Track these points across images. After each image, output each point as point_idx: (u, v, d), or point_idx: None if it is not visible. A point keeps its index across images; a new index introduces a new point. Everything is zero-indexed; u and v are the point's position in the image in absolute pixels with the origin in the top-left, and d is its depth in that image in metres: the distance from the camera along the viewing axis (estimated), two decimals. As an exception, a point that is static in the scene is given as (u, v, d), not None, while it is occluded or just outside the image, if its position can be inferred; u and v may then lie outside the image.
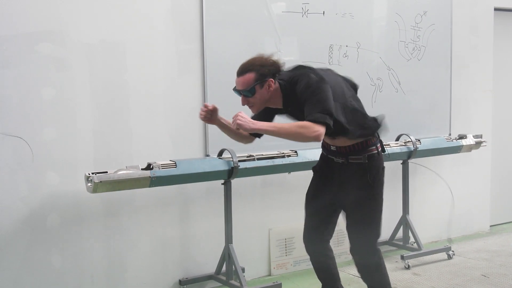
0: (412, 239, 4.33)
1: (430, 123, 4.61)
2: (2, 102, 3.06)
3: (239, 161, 3.44)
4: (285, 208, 4.05)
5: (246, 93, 2.65)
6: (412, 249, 4.27)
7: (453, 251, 4.35)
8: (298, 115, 2.69)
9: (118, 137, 3.41)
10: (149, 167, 3.17)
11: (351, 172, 2.77)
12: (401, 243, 4.38)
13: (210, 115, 2.77)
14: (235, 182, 3.57)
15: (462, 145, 4.48)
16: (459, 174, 4.96)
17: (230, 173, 3.42)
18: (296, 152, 3.70)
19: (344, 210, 2.86)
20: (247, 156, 3.54)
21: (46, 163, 3.20)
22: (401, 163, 4.34)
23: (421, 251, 4.22)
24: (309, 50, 3.97)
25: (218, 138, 3.35)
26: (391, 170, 4.34)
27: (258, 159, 3.55)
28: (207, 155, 3.64)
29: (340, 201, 2.84)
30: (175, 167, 3.23)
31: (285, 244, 4.10)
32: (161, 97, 3.53)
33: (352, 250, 2.87)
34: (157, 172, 3.15)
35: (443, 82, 4.68)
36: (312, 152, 3.65)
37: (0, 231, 3.10)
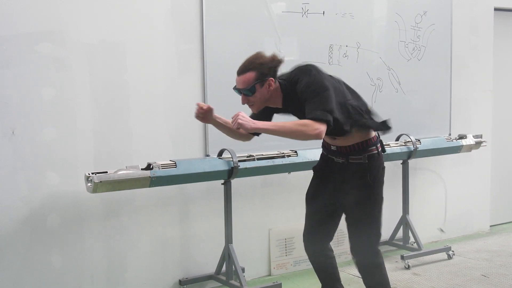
0: (412, 239, 4.33)
1: (430, 123, 4.61)
2: (2, 102, 3.06)
3: (239, 161, 3.43)
4: (285, 208, 4.05)
5: (246, 92, 2.65)
6: (412, 249, 4.27)
7: (453, 251, 4.35)
8: (298, 115, 2.69)
9: (118, 137, 3.41)
10: (149, 167, 3.17)
11: (351, 172, 2.77)
12: (401, 243, 4.38)
13: (203, 115, 2.78)
14: (235, 182, 3.57)
15: (462, 145, 4.48)
16: (459, 174, 4.96)
17: (230, 173, 3.42)
18: (296, 152, 3.70)
19: (344, 210, 2.86)
20: (247, 156, 3.54)
21: (46, 163, 3.20)
22: (401, 163, 4.34)
23: (421, 251, 4.22)
24: (309, 50, 3.97)
25: (218, 138, 3.35)
26: (391, 170, 4.34)
27: (258, 159, 3.55)
28: (207, 155, 3.64)
29: (340, 201, 2.84)
30: (175, 167, 3.23)
31: (285, 244, 4.10)
32: (161, 97, 3.53)
33: (352, 250, 2.86)
34: (157, 172, 3.15)
35: (443, 82, 4.68)
36: (312, 152, 3.65)
37: (0, 231, 3.10)
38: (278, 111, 2.83)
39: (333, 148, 2.83)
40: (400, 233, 4.39)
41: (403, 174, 4.35)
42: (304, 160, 3.67)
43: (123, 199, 3.43)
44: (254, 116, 2.73)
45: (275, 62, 2.67)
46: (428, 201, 4.82)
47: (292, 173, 3.87)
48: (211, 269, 3.73)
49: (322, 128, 2.47)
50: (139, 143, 3.47)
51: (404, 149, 4.19)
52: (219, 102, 3.58)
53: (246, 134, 2.81)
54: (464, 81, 4.89)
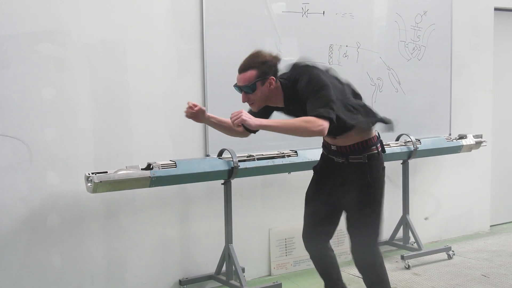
0: (412, 239, 4.33)
1: (430, 123, 4.61)
2: (2, 102, 3.06)
3: (239, 161, 3.43)
4: (285, 208, 4.05)
5: (247, 90, 2.65)
6: (412, 249, 4.27)
7: (453, 251, 4.35)
8: (299, 114, 2.69)
9: (118, 137, 3.41)
10: (149, 167, 3.17)
11: (352, 172, 2.77)
12: (401, 243, 4.38)
13: (194, 115, 2.78)
14: (235, 182, 3.57)
15: (462, 145, 4.48)
16: (459, 174, 4.96)
17: (230, 173, 3.42)
18: (296, 152, 3.70)
19: (344, 210, 2.87)
20: (247, 156, 3.54)
21: (46, 163, 3.20)
22: (401, 163, 4.34)
23: (421, 251, 4.22)
24: (309, 50, 3.97)
25: (218, 138, 3.35)
26: (391, 170, 4.34)
27: (258, 159, 3.55)
28: (207, 155, 3.64)
29: (340, 201, 2.84)
30: (175, 167, 3.23)
31: (285, 244, 4.10)
32: (161, 97, 3.53)
33: (352, 250, 2.86)
34: (157, 172, 3.15)
35: (443, 82, 4.68)
36: (312, 152, 3.65)
37: (0, 231, 3.10)
38: (278, 110, 2.84)
39: (333, 148, 2.83)
40: (400, 233, 4.39)
41: (403, 174, 4.35)
42: (304, 160, 3.67)
43: (123, 199, 3.43)
44: (253, 115, 2.73)
45: (277, 61, 2.68)
46: (428, 201, 4.81)
47: (292, 173, 3.87)
48: (211, 269, 3.73)
49: (325, 124, 2.48)
50: (139, 143, 3.47)
51: (404, 149, 4.19)
52: (219, 102, 3.59)
53: (243, 131, 2.82)
54: (464, 81, 4.89)
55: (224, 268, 3.64)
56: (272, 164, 3.58)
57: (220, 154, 3.52)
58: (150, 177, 3.12)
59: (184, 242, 3.70)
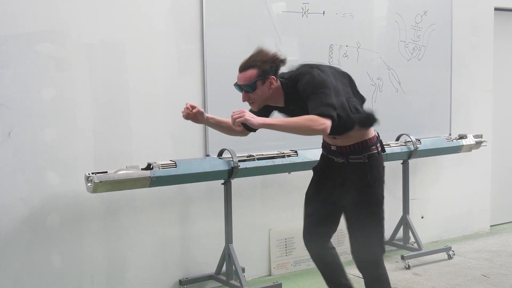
0: (412, 239, 4.33)
1: (430, 123, 4.61)
2: (2, 102, 3.06)
3: (239, 161, 3.43)
4: (285, 208, 4.05)
5: (247, 89, 2.65)
6: (412, 249, 4.27)
7: (453, 251, 4.35)
8: (300, 113, 2.69)
9: (118, 137, 3.41)
10: (149, 167, 3.17)
11: (352, 172, 2.77)
12: (401, 243, 4.38)
13: (191, 116, 2.78)
14: (235, 182, 3.57)
15: (462, 145, 4.48)
16: (459, 174, 4.96)
17: (230, 173, 3.42)
18: (296, 152, 3.70)
19: (344, 210, 2.86)
20: (247, 156, 3.54)
21: (46, 163, 3.20)
22: (401, 163, 4.34)
23: (421, 251, 4.22)
24: (309, 50, 3.97)
25: (218, 138, 3.35)
26: (391, 170, 4.34)
27: (258, 159, 3.55)
28: (207, 155, 3.64)
29: (340, 201, 2.84)
30: (175, 167, 3.23)
31: (285, 244, 4.10)
32: (161, 97, 3.53)
33: (352, 250, 2.86)
34: (157, 172, 3.15)
35: (443, 82, 4.68)
36: (312, 152, 3.65)
37: (0, 231, 3.10)
38: (278, 109, 2.84)
39: (333, 148, 2.83)
40: (400, 233, 4.39)
41: (403, 174, 4.35)
42: (304, 160, 3.67)
43: (123, 199, 3.43)
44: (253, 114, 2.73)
45: (277, 61, 2.68)
46: (428, 201, 4.81)
47: (292, 173, 3.87)
48: (211, 269, 3.73)
49: (327, 123, 2.49)
50: (139, 143, 3.47)
51: (404, 149, 4.19)
52: (219, 102, 3.59)
53: (242, 130, 2.81)
54: (464, 81, 4.89)
55: (224, 268, 3.64)
56: (272, 164, 3.58)
57: (220, 154, 3.52)
58: (150, 177, 3.12)
59: (184, 242, 3.70)
